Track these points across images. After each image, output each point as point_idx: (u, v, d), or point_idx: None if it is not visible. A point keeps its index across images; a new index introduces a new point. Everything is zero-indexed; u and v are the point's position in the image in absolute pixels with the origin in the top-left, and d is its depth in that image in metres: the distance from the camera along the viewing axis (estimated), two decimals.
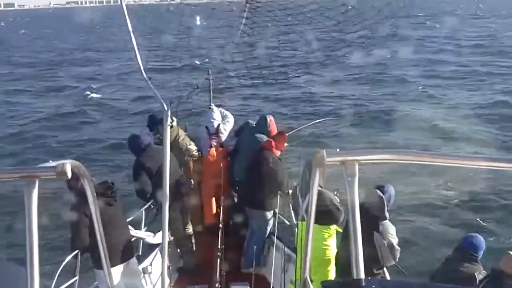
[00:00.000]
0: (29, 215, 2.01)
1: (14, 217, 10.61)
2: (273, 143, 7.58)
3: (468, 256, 5.36)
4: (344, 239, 5.93)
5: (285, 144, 7.86)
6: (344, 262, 5.53)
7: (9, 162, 17.07)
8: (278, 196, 7.37)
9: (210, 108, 8.74)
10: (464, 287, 4.71)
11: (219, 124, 8.40)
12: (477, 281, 5.14)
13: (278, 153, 7.64)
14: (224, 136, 8.42)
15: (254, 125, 8.22)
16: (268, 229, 7.72)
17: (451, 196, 13.41)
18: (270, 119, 8.03)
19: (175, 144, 8.01)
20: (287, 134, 8.04)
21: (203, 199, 8.57)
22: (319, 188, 6.41)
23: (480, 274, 5.24)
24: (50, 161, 2.15)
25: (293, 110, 24.34)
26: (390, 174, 12.09)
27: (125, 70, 36.79)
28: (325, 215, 6.28)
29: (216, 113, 8.50)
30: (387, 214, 5.65)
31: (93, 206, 2.56)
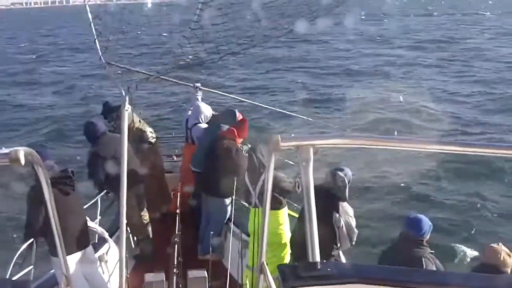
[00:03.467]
0: None
1: None
2: (235, 132, 7.44)
3: (412, 239, 5.26)
4: (301, 220, 5.99)
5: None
6: (299, 245, 5.58)
7: None
8: (235, 182, 7.36)
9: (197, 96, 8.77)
10: (417, 269, 4.77)
11: (197, 123, 8.38)
12: (425, 265, 5.16)
13: (240, 141, 7.57)
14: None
15: (221, 118, 8.11)
16: (226, 216, 7.72)
17: (402, 178, 13.73)
18: (239, 113, 7.89)
19: (129, 131, 7.91)
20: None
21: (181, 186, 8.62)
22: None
23: (427, 257, 5.25)
24: (3, 148, 2.13)
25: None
26: (344, 157, 12.36)
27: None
28: (275, 200, 6.35)
29: (203, 109, 8.47)
30: (347, 195, 5.71)
31: (47, 193, 2.54)
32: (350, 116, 19.69)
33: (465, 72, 30.14)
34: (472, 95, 24.24)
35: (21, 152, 2.00)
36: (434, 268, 5.13)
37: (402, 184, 13.60)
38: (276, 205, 6.39)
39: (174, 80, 8.82)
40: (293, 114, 11.75)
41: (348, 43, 44.16)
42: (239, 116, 7.82)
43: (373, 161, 14.33)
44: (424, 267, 5.06)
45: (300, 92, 25.26)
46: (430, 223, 5.40)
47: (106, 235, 6.84)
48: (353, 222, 5.83)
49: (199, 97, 8.85)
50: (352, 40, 45.08)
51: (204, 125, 8.35)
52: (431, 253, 5.32)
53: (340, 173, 5.71)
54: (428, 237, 5.36)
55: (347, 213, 5.77)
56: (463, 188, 13.83)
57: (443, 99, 23.15)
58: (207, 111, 8.44)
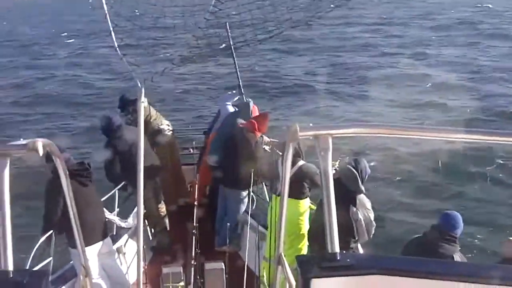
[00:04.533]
0: (1, 194, 1.99)
1: None
2: (256, 125, 7.41)
3: (447, 236, 5.19)
4: (319, 212, 5.96)
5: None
6: (317, 236, 5.55)
7: None
8: (252, 174, 7.33)
9: (233, 92, 8.73)
10: (439, 260, 4.69)
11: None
12: None
13: (259, 135, 7.54)
14: None
15: (236, 111, 8.10)
16: (243, 208, 7.72)
17: (424, 168, 13.60)
18: (253, 106, 7.85)
19: (146, 124, 7.95)
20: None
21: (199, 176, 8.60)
22: (302, 161, 6.47)
23: (458, 255, 5.17)
24: (22, 139, 2.12)
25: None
26: (364, 146, 12.26)
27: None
28: (301, 189, 6.33)
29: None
30: (362, 188, 5.63)
31: (65, 185, 2.54)
32: (373, 100, 19.65)
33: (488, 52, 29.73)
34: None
35: (39, 143, 2.00)
36: None
37: (424, 175, 13.44)
38: (300, 195, 6.39)
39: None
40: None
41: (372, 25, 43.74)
42: (253, 108, 7.79)
43: (395, 151, 14.27)
44: None
45: (324, 75, 25.11)
46: None
47: (124, 224, 6.88)
48: (371, 215, 5.77)
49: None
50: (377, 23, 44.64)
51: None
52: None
53: (350, 166, 5.65)
54: (458, 235, 5.31)
55: (364, 206, 5.70)
56: (489, 179, 13.58)
57: (470, 81, 22.88)
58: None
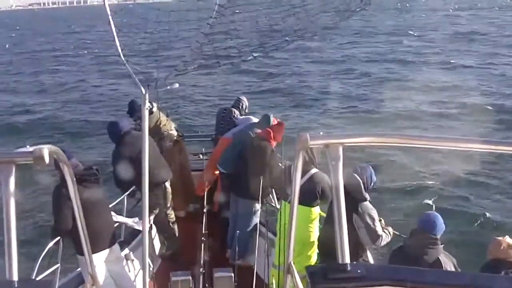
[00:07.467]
0: (6, 201, 1.97)
1: None
2: (271, 134, 7.33)
3: (426, 239, 5.12)
4: (328, 221, 5.92)
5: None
6: (327, 245, 5.50)
7: None
8: (266, 184, 7.22)
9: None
10: (452, 271, 4.63)
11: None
12: (443, 264, 5.02)
13: (274, 144, 7.44)
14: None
15: (254, 122, 8.05)
16: (256, 220, 7.46)
17: (435, 177, 13.50)
18: (274, 119, 7.79)
19: (155, 129, 7.94)
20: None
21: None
22: (316, 169, 6.42)
23: (443, 255, 5.09)
24: (28, 146, 2.10)
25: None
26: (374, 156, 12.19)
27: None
28: (311, 197, 6.28)
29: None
30: (366, 195, 5.60)
31: (73, 191, 2.52)
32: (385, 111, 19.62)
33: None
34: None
35: (46, 150, 1.97)
36: (451, 265, 5.02)
37: (436, 184, 13.34)
38: (310, 202, 6.34)
39: None
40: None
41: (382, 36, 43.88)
42: (274, 121, 7.71)
43: (409, 159, 14.19)
44: (443, 266, 4.95)
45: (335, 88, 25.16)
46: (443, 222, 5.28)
47: (136, 222, 6.87)
48: (377, 223, 5.71)
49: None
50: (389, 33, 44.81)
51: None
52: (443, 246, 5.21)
53: (354, 174, 5.62)
54: (439, 235, 5.24)
55: (367, 213, 5.65)
56: (504, 190, 13.37)
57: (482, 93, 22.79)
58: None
